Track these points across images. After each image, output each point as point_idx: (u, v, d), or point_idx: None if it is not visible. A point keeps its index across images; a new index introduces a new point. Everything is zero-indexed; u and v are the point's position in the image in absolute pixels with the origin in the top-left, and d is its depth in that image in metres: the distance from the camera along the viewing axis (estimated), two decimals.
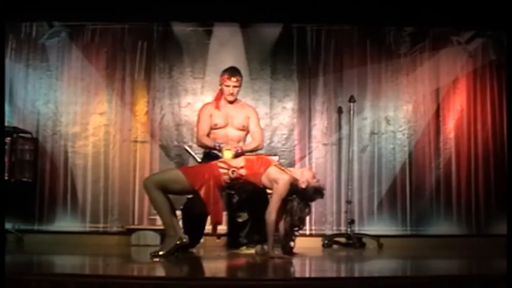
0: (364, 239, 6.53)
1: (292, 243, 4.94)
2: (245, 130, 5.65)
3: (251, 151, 5.54)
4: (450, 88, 7.19)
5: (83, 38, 7.14)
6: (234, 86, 5.56)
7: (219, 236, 5.57)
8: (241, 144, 5.57)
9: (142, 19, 7.01)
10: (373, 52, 7.22)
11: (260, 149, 5.73)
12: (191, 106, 7.05)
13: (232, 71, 5.61)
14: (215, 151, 5.41)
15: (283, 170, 4.82)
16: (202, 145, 5.65)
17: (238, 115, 5.62)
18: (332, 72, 7.21)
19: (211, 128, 5.57)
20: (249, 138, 5.76)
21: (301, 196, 4.78)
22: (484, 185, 7.05)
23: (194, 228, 5.33)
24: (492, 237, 6.59)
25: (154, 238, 6.32)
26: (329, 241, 6.54)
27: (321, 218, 6.96)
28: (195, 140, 5.94)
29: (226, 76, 5.57)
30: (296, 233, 4.95)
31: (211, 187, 4.69)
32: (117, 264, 4.60)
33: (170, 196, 4.80)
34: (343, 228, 6.79)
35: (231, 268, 4.50)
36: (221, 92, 5.65)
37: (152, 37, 7.17)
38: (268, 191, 4.91)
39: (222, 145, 5.37)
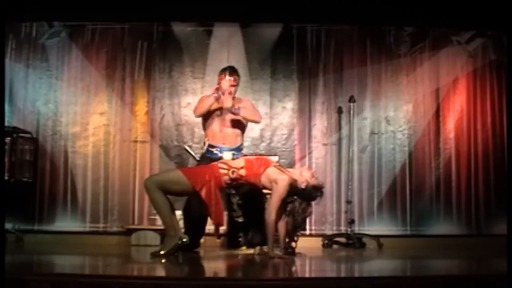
0: (364, 239, 6.53)
1: (294, 244, 4.94)
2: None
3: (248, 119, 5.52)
4: (450, 88, 7.20)
5: (83, 38, 7.14)
6: (232, 85, 5.55)
7: (219, 236, 5.56)
8: (238, 139, 5.50)
9: (142, 19, 7.01)
10: (373, 52, 7.22)
11: (258, 122, 5.70)
12: (191, 106, 6.99)
13: (230, 71, 5.58)
14: (217, 96, 5.37)
15: (282, 170, 4.83)
16: (200, 112, 5.54)
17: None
18: (332, 72, 7.21)
19: (209, 112, 5.50)
20: (245, 137, 5.71)
21: (302, 196, 4.78)
22: (484, 185, 7.05)
23: (195, 229, 5.34)
24: (492, 237, 6.60)
25: (154, 238, 6.32)
26: (329, 241, 6.54)
27: (321, 218, 6.96)
28: (194, 113, 5.70)
29: (224, 75, 5.56)
30: (298, 234, 4.95)
31: (212, 188, 4.69)
32: (117, 264, 4.60)
33: (169, 196, 4.80)
34: (343, 228, 6.80)
35: (231, 268, 4.50)
36: (217, 90, 5.61)
37: (152, 37, 7.17)
38: (268, 191, 4.91)
39: (219, 93, 5.37)
